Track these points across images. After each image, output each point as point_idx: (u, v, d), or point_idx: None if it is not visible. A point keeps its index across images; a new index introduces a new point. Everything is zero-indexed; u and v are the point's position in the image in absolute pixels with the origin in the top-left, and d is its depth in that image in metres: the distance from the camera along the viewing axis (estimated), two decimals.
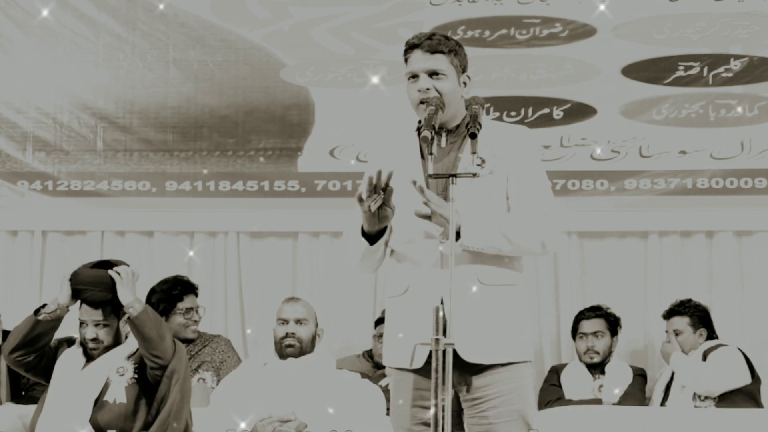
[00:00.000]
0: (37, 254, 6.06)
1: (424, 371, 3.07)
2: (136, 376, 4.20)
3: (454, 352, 2.93)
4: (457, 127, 3.20)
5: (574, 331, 5.48)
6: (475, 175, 2.94)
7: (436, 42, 3.18)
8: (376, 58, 5.93)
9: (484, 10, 5.91)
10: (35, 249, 6.05)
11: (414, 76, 3.19)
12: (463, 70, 3.21)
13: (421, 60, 3.18)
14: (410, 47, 3.21)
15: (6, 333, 5.33)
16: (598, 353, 5.36)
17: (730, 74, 5.76)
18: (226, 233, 6.02)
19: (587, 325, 5.41)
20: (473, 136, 2.96)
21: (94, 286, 4.24)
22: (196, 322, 5.34)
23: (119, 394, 4.15)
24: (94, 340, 4.22)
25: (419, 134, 3.21)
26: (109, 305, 4.24)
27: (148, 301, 5.27)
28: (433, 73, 3.16)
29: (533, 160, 3.23)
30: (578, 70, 5.84)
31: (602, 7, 5.77)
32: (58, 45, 6.08)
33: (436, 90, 3.14)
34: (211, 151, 6.01)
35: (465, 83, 3.21)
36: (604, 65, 5.82)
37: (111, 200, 6.02)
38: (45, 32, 6.08)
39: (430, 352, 2.88)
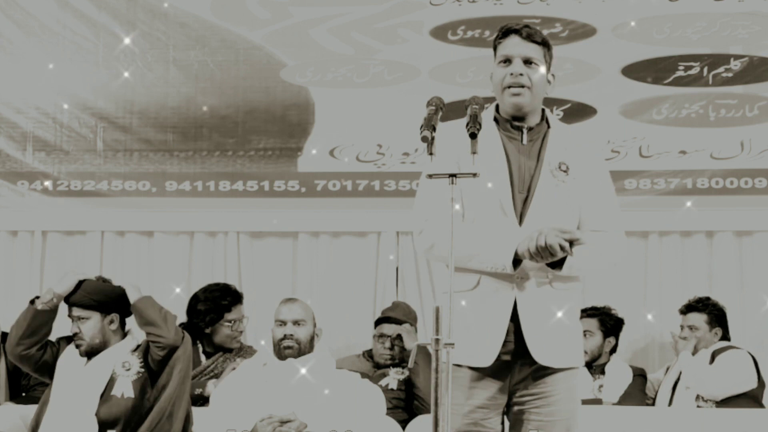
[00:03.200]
0: (37, 254, 6.05)
1: (483, 369, 3.11)
2: (142, 370, 4.24)
3: (526, 352, 3.05)
4: (536, 125, 3.21)
5: None
6: (475, 175, 2.92)
7: (534, 31, 3.20)
8: (376, 58, 5.94)
9: (484, 10, 5.90)
10: (35, 249, 6.05)
11: (506, 61, 3.18)
12: (550, 69, 3.25)
13: (517, 46, 3.18)
14: (505, 33, 3.21)
15: (5, 335, 5.33)
16: (585, 353, 5.38)
17: (730, 74, 5.76)
18: (226, 233, 6.02)
19: None
20: (473, 136, 2.95)
21: (88, 293, 4.34)
22: (240, 332, 5.27)
23: (126, 389, 4.21)
24: (76, 335, 4.30)
25: (498, 123, 3.24)
26: (94, 308, 4.32)
27: (193, 307, 5.27)
28: (527, 61, 3.17)
29: (604, 170, 3.25)
30: (578, 70, 5.84)
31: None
32: (58, 45, 6.08)
33: (529, 77, 3.15)
34: (211, 151, 6.01)
35: (549, 81, 3.25)
36: (604, 65, 5.82)
37: (111, 200, 6.02)
38: (45, 32, 6.08)
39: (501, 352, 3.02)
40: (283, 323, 4.44)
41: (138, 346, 4.33)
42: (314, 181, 5.93)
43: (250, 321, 5.33)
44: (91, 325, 4.31)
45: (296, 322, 4.43)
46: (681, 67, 5.80)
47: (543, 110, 3.27)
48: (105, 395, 4.20)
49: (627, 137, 5.79)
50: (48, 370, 4.36)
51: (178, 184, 6.01)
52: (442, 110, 3.09)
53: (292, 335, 4.40)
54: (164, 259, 6.01)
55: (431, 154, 2.94)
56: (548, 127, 3.24)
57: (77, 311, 4.32)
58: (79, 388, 4.22)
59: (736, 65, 5.76)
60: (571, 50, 5.83)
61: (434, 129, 2.96)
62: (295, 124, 5.99)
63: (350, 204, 5.88)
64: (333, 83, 5.97)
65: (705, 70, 5.78)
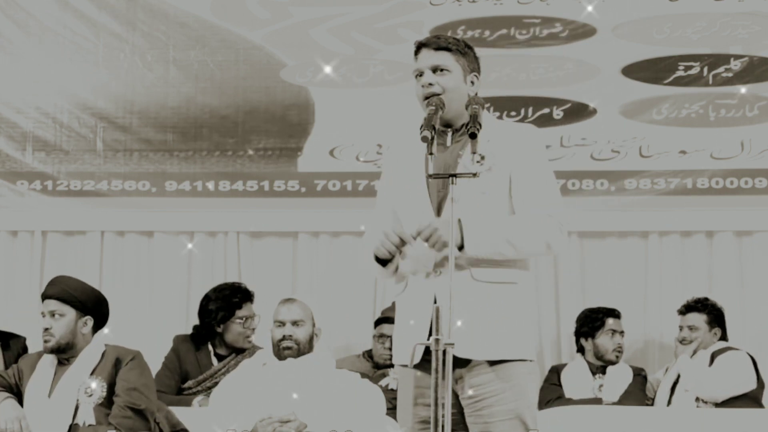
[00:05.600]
0: (37, 254, 6.05)
1: (426, 369, 3.06)
2: (104, 393, 4.12)
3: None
4: (463, 126, 3.22)
5: None
6: (475, 174, 2.96)
7: (443, 40, 3.25)
8: (376, 58, 5.94)
9: (484, 10, 5.90)
10: (35, 249, 6.05)
11: (420, 74, 3.24)
12: (472, 71, 3.27)
13: (426, 57, 3.24)
14: (418, 47, 3.27)
15: (3, 334, 5.31)
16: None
17: (730, 74, 5.76)
18: (226, 233, 6.02)
19: None
20: (473, 135, 2.98)
21: (68, 287, 4.21)
22: (253, 330, 5.25)
23: (88, 416, 4.08)
24: (47, 330, 4.14)
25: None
26: (71, 303, 4.18)
27: (204, 307, 5.24)
28: (436, 69, 3.21)
29: (538, 158, 3.25)
30: (578, 70, 5.84)
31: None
32: (58, 45, 6.08)
33: (440, 85, 3.18)
34: (211, 151, 6.01)
35: (472, 82, 3.26)
36: (604, 65, 5.82)
37: (111, 200, 6.01)
38: (45, 32, 6.08)
39: (427, 349, 2.91)
40: (282, 324, 4.44)
41: (95, 367, 4.16)
42: (314, 181, 5.93)
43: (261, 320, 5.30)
44: (65, 322, 4.15)
45: (295, 323, 4.42)
46: (681, 67, 5.80)
47: (468, 110, 3.23)
48: (72, 426, 4.06)
49: (627, 137, 5.78)
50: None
51: (178, 184, 6.01)
52: (442, 110, 3.13)
53: (291, 336, 4.39)
54: (164, 259, 6.00)
55: (431, 153, 2.97)
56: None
57: (53, 305, 4.16)
58: (48, 423, 4.04)
59: (736, 65, 5.76)
60: (571, 50, 5.83)
61: (434, 129, 3.00)
62: (295, 124, 5.99)
63: (350, 204, 5.87)
64: (333, 83, 5.97)
65: (705, 70, 5.78)
